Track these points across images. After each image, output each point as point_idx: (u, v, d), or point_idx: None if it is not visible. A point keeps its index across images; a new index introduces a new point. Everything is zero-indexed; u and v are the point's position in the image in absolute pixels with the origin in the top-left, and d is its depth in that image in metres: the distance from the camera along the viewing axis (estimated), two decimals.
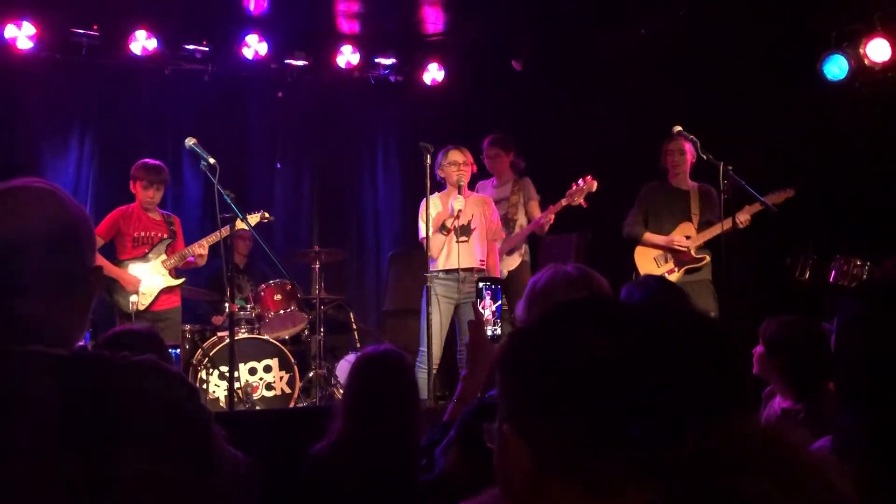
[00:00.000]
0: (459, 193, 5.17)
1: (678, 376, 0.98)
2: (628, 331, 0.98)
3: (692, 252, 5.11)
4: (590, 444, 0.93)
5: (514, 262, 5.62)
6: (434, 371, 4.93)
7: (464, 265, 5.10)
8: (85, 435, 1.08)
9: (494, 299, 2.05)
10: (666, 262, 5.22)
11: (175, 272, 5.29)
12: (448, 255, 5.11)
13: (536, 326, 1.05)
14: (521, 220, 5.69)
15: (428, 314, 5.04)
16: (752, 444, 1.07)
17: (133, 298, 5.03)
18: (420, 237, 5.19)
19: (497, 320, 2.03)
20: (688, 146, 5.10)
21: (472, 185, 5.70)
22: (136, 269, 5.16)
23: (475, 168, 5.34)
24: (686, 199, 5.24)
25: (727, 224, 4.76)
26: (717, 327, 1.51)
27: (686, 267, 5.16)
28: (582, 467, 0.94)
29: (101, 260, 5.06)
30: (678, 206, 5.24)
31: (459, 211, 5.11)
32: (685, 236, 5.15)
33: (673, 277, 5.13)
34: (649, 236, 5.23)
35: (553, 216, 5.40)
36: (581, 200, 5.30)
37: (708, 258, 5.11)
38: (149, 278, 5.16)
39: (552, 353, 0.97)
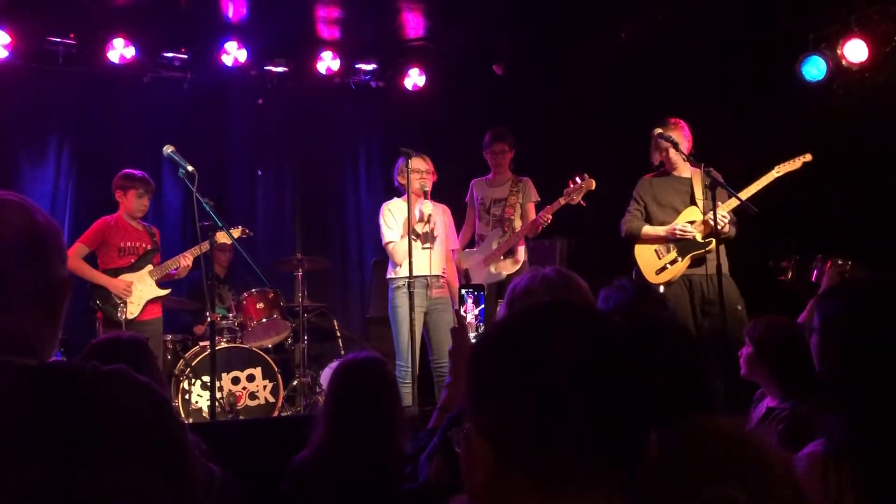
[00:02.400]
0: (426, 199, 5.12)
1: (639, 379, 0.99)
2: (590, 333, 0.99)
3: (698, 237, 4.87)
4: (547, 443, 0.95)
5: (512, 265, 5.47)
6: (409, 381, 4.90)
7: (432, 272, 5.06)
8: (55, 446, 1.06)
9: (476, 304, 2.03)
10: (668, 252, 4.97)
11: (159, 283, 5.25)
12: (414, 262, 5.05)
13: (499, 329, 1.07)
14: (517, 221, 5.55)
15: (397, 325, 5.03)
16: (717, 445, 1.07)
17: (123, 307, 5.00)
18: (384, 242, 5.17)
19: (480, 324, 2.01)
20: (683, 131, 4.93)
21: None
22: (125, 278, 5.12)
23: (436, 177, 5.26)
24: (688, 184, 5.02)
25: (709, 219, 4.61)
26: (681, 333, 1.52)
27: (692, 254, 4.89)
28: (540, 465, 0.95)
29: (88, 269, 5.02)
30: (680, 193, 5.02)
31: (430, 215, 5.08)
32: (689, 221, 4.92)
33: (677, 269, 4.93)
34: (648, 229, 5.01)
35: (550, 217, 5.29)
36: (579, 199, 5.20)
37: (714, 243, 4.69)
38: (138, 288, 5.12)
39: (512, 354, 0.99)
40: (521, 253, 5.54)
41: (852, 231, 5.26)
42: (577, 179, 5.24)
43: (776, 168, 4.86)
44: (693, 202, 4.98)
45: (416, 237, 5.05)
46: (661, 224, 4.99)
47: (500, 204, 5.61)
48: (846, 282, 4.29)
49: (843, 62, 5.39)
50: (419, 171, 5.13)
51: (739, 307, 4.65)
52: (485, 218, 5.68)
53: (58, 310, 1.25)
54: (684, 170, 5.06)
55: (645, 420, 0.99)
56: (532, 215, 5.52)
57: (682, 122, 5.00)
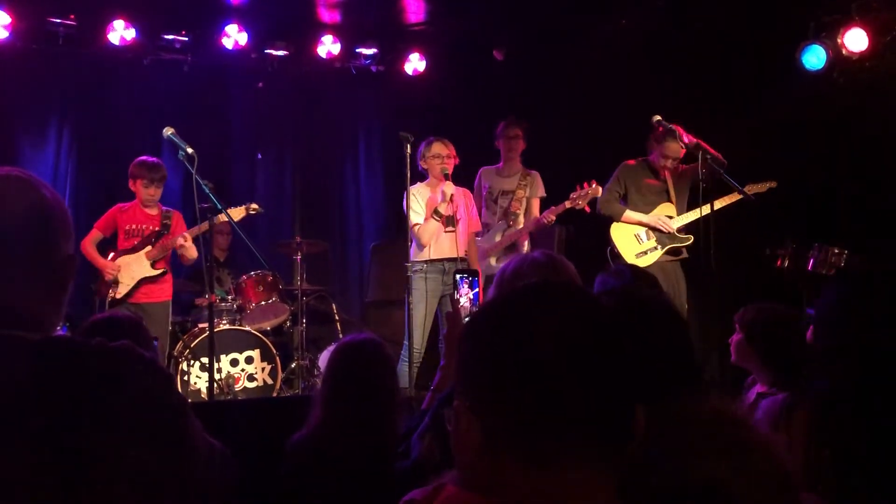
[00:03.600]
0: (447, 181, 5.15)
1: (625, 357, 1.01)
2: (575, 312, 1.02)
3: (674, 231, 5.16)
4: (533, 419, 0.97)
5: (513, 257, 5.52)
6: (418, 363, 4.93)
7: (450, 255, 5.10)
8: (58, 420, 1.07)
9: (471, 287, 2.06)
10: (648, 239, 5.23)
11: (165, 264, 5.25)
12: (436, 244, 5.10)
13: (488, 309, 1.11)
14: (521, 216, 5.62)
15: (410, 308, 5.06)
16: (703, 424, 1.10)
17: (114, 287, 5.03)
18: (412, 224, 5.16)
19: (474, 308, 2.05)
20: (682, 133, 5.01)
21: (473, 172, 5.68)
22: (122, 260, 5.15)
23: (458, 160, 5.30)
24: (665, 182, 5.28)
25: (706, 210, 4.74)
26: (670, 313, 1.55)
27: (670, 246, 5.18)
28: (526, 442, 0.97)
29: (92, 253, 5.06)
30: (658, 186, 5.28)
31: (452, 195, 5.10)
32: (666, 216, 5.19)
33: (654, 256, 5.19)
34: (631, 214, 5.22)
35: (554, 217, 5.39)
36: (584, 205, 5.29)
37: (691, 238, 5.14)
38: (130, 268, 5.14)
39: (499, 332, 1.02)
40: (525, 247, 5.59)
41: (850, 220, 5.28)
42: (585, 185, 5.30)
43: (747, 187, 4.95)
44: (669, 199, 5.25)
45: (438, 217, 5.08)
46: (639, 211, 5.22)
47: (507, 196, 5.65)
48: (845, 269, 4.34)
49: (844, 51, 5.38)
50: (440, 155, 5.18)
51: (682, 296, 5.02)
52: (491, 208, 5.72)
53: (63, 285, 1.26)
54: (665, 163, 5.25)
55: (632, 397, 1.01)
56: (536, 210, 5.58)
57: (678, 127, 5.07)
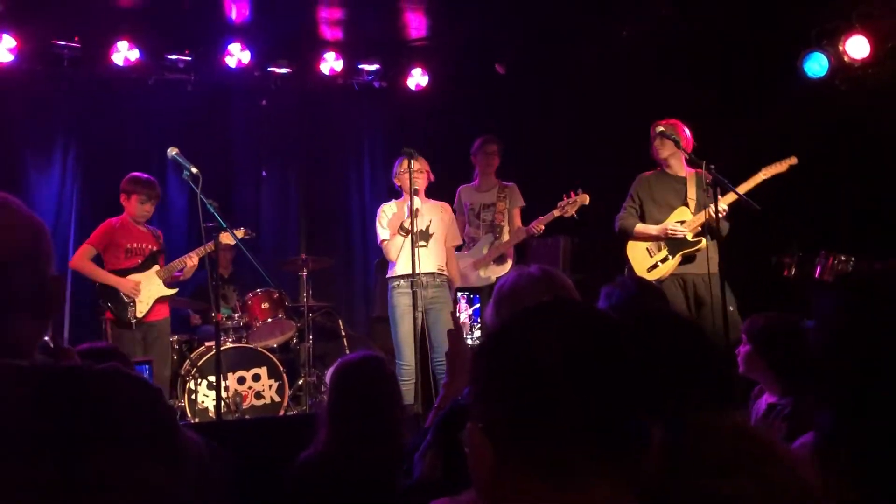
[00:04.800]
0: (416, 196, 5.12)
1: (634, 373, 1.01)
2: (583, 331, 1.03)
3: (688, 236, 4.93)
4: (544, 439, 0.98)
5: (501, 270, 5.55)
6: (411, 380, 4.91)
7: (425, 270, 5.02)
8: (55, 444, 1.08)
9: (470, 304, 2.06)
10: (659, 250, 5.03)
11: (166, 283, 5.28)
12: (407, 260, 5.05)
13: (500, 329, 1.11)
14: (506, 227, 5.67)
15: (396, 324, 5.09)
16: (726, 440, 1.09)
17: (132, 307, 5.04)
18: (379, 240, 5.25)
19: (474, 324, 2.05)
20: (681, 131, 5.00)
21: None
22: (133, 278, 5.15)
23: (432, 177, 5.28)
24: (682, 183, 5.08)
25: (710, 215, 4.62)
26: (686, 325, 1.53)
27: (683, 252, 4.94)
28: (540, 461, 0.98)
29: (97, 270, 5.06)
30: (674, 192, 5.08)
31: (417, 210, 5.04)
32: (679, 221, 4.99)
33: (668, 266, 4.99)
34: (641, 227, 5.06)
35: (542, 227, 5.43)
36: (573, 212, 5.32)
37: (704, 242, 4.82)
38: (146, 287, 5.16)
39: (507, 354, 1.04)
40: (511, 258, 5.65)
41: (854, 228, 5.27)
42: (572, 194, 5.34)
43: (763, 171, 4.89)
44: (685, 202, 5.05)
45: (403, 233, 5.07)
46: (657, 222, 5.04)
47: (489, 209, 5.72)
48: (842, 276, 4.31)
49: (845, 58, 5.39)
50: (414, 171, 5.17)
51: (732, 308, 4.62)
52: (475, 223, 5.77)
53: (47, 309, 1.26)
54: (680, 169, 5.12)
55: (644, 413, 1.01)
56: (518, 220, 5.65)
57: (679, 122, 5.05)
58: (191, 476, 1.20)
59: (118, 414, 1.13)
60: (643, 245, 5.11)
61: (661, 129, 4.99)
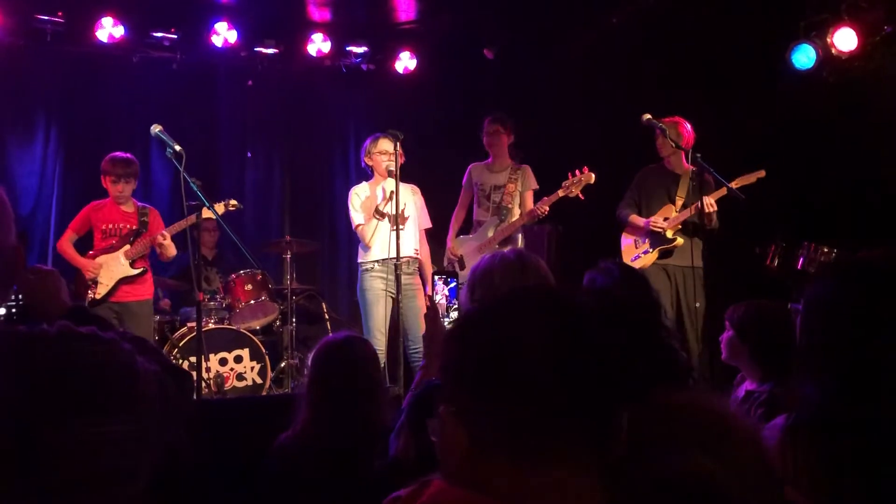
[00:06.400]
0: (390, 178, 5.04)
1: (605, 359, 1.02)
2: (556, 316, 1.04)
3: (667, 233, 5.14)
4: (517, 425, 0.99)
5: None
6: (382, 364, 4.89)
7: (402, 253, 4.94)
8: (20, 408, 1.07)
9: (446, 284, 2.07)
10: (643, 242, 5.29)
11: (145, 263, 5.20)
12: (382, 244, 5.02)
13: (471, 315, 1.13)
14: (516, 209, 5.53)
15: (367, 308, 5.06)
16: (685, 416, 1.10)
17: (93, 287, 5.00)
18: (354, 225, 5.18)
19: (451, 304, 2.05)
20: (683, 129, 5.15)
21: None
22: (101, 259, 5.11)
23: (403, 158, 5.08)
24: (676, 182, 5.26)
25: (694, 209, 4.93)
26: (650, 309, 1.56)
27: (660, 248, 5.18)
28: (511, 447, 0.99)
29: (71, 253, 5.03)
30: (665, 188, 5.28)
31: (392, 192, 4.94)
32: (664, 218, 5.20)
33: (648, 258, 5.22)
34: (633, 219, 5.30)
35: (547, 208, 5.29)
36: (578, 192, 5.22)
37: (681, 241, 5.12)
38: (109, 268, 5.09)
39: (481, 339, 1.04)
40: (519, 241, 5.52)
41: (839, 220, 5.30)
42: (577, 172, 5.25)
43: (734, 182, 4.94)
44: (673, 200, 5.24)
45: (380, 218, 5.03)
46: (649, 215, 5.27)
47: (499, 191, 5.57)
48: (832, 263, 4.35)
49: (833, 50, 5.40)
50: (386, 152, 5.11)
51: (699, 304, 4.93)
52: (484, 204, 5.63)
53: (6, 276, 1.26)
54: (679, 167, 5.28)
55: (613, 396, 1.02)
56: (530, 203, 5.49)
57: (681, 120, 5.17)
58: (153, 417, 1.20)
59: (73, 377, 1.11)
60: (632, 236, 5.37)
61: (647, 116, 5.02)
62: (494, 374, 1.00)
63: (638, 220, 5.27)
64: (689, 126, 5.18)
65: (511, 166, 5.61)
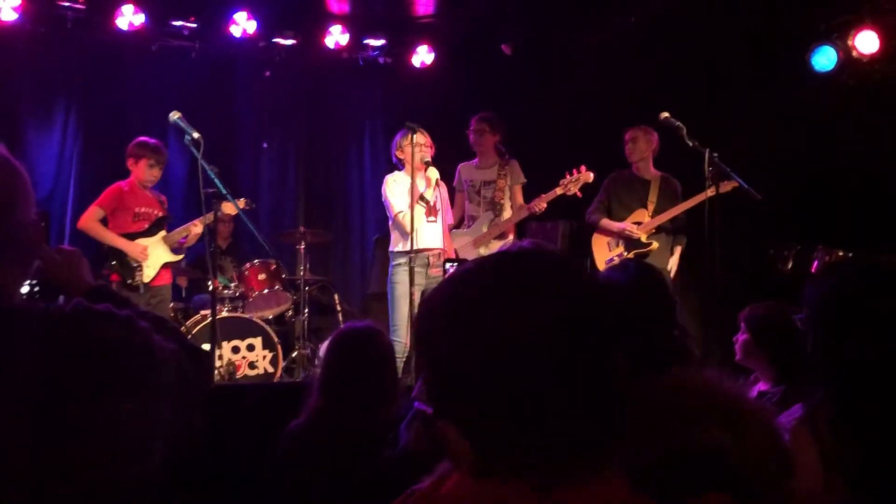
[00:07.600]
0: (431, 167, 5.06)
1: (609, 352, 0.94)
2: (564, 306, 0.92)
3: (642, 238, 5.27)
4: (522, 428, 0.90)
5: (502, 247, 5.52)
6: (405, 357, 4.88)
7: (433, 245, 4.98)
8: (38, 386, 1.08)
9: None
10: (617, 245, 5.41)
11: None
12: (419, 234, 4.98)
13: (461, 293, 0.97)
14: (507, 205, 5.59)
15: (394, 301, 5.02)
16: (699, 393, 1.11)
17: (140, 271, 5.05)
18: (395, 212, 5.05)
19: None
20: (652, 136, 5.31)
21: (452, 168, 5.67)
22: (140, 242, 5.15)
23: (434, 150, 5.14)
24: (646, 187, 5.39)
25: (684, 207, 5.11)
26: (665, 308, 1.57)
27: (634, 251, 5.28)
28: (518, 457, 0.91)
29: (106, 232, 5.05)
30: (636, 193, 5.40)
31: (437, 181, 5.02)
32: (636, 223, 5.31)
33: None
34: (605, 223, 5.42)
35: (545, 205, 5.34)
36: (576, 190, 5.28)
37: (656, 244, 5.26)
38: (154, 252, 5.16)
39: (479, 331, 0.91)
40: (511, 236, 5.59)
41: (857, 223, 5.26)
42: (574, 171, 5.32)
43: (706, 191, 4.91)
44: (644, 204, 5.37)
45: (424, 203, 5.01)
46: (619, 219, 5.40)
47: (489, 186, 5.63)
48: (832, 265, 4.34)
49: (854, 53, 5.36)
50: (419, 144, 5.11)
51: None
52: (475, 199, 5.69)
53: (27, 252, 1.26)
54: (647, 172, 5.43)
55: (617, 386, 0.94)
56: (519, 197, 5.57)
57: (652, 130, 5.30)
58: (170, 395, 1.20)
59: (86, 354, 1.12)
60: (605, 239, 5.49)
61: (666, 115, 4.99)
62: (496, 382, 0.89)
63: (611, 225, 5.39)
64: (656, 136, 5.33)
65: (499, 162, 5.68)
